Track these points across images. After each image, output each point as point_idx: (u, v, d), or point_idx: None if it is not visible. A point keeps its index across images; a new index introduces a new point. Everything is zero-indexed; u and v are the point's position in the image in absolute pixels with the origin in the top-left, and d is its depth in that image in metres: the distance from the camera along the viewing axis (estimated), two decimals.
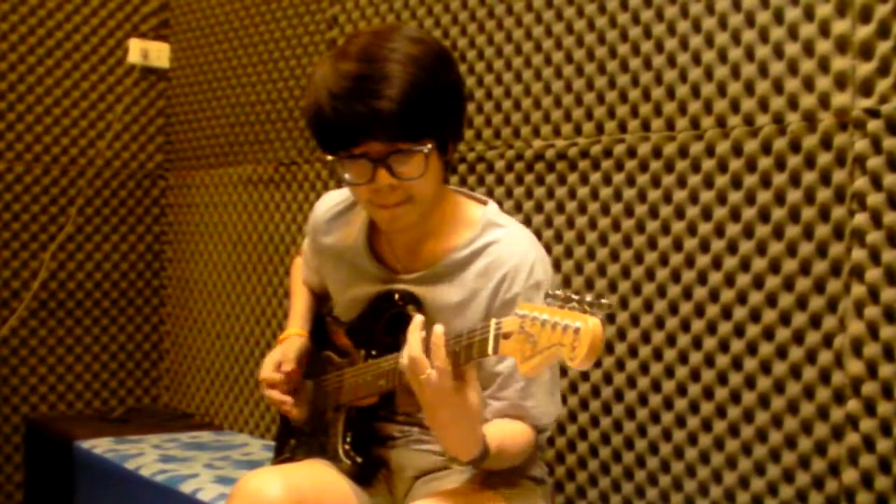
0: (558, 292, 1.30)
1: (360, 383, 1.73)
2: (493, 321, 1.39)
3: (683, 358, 1.95)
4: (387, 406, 1.77)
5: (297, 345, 1.89)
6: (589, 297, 1.28)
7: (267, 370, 1.85)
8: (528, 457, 1.69)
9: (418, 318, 1.49)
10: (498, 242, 1.69)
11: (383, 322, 1.73)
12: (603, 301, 1.27)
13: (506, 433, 1.59)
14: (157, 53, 3.54)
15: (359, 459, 1.74)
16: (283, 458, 1.93)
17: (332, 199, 1.88)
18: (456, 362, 1.43)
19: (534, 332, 1.31)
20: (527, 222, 2.18)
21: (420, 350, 1.44)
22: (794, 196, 1.78)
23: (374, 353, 1.73)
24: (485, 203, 1.76)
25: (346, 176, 1.63)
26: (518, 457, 1.65)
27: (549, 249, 2.11)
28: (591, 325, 1.25)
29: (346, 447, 1.75)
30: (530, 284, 1.64)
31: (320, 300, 1.98)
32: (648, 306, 2.01)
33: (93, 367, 3.47)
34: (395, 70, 1.55)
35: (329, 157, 1.65)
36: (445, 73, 1.64)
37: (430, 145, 1.60)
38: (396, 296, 1.72)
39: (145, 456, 2.72)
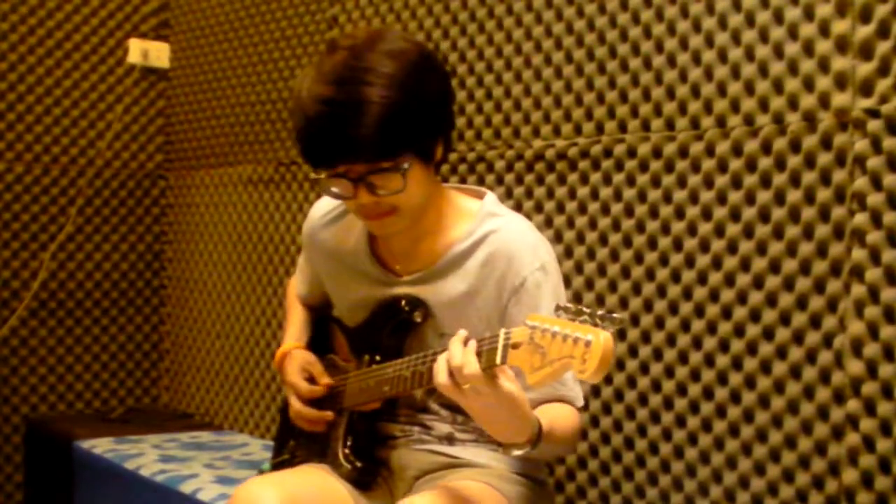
0: (569, 305, 1.30)
1: (364, 388, 1.73)
2: (503, 331, 1.39)
3: (683, 358, 1.95)
4: (389, 409, 1.77)
5: (312, 357, 1.86)
6: (601, 311, 1.27)
7: (305, 385, 1.81)
8: (577, 440, 1.67)
9: (462, 333, 1.46)
10: (497, 231, 1.69)
11: (388, 328, 1.73)
12: (615, 315, 1.26)
13: (552, 415, 1.56)
14: (157, 53, 3.53)
15: (358, 464, 1.74)
16: (283, 460, 1.93)
17: (327, 205, 1.88)
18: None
19: (543, 343, 1.30)
20: None
21: (463, 359, 1.41)
22: (794, 196, 1.78)
23: (378, 358, 1.73)
24: (482, 196, 1.76)
25: (333, 190, 1.65)
26: (571, 439, 1.63)
27: None
28: (602, 339, 1.24)
29: (347, 451, 1.74)
30: (536, 267, 1.65)
31: (317, 315, 1.98)
32: (648, 306, 2.01)
33: (93, 367, 3.47)
34: (369, 94, 1.54)
35: (312, 175, 1.66)
36: (425, 85, 1.61)
37: (407, 163, 1.59)
38: (403, 302, 1.71)
39: (145, 456, 2.72)
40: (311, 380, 1.83)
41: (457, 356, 1.41)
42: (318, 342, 1.93)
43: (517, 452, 1.48)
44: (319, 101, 1.56)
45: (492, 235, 1.69)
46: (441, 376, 1.43)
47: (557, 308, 1.31)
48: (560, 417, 1.59)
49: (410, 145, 1.60)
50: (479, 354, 1.41)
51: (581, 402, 1.68)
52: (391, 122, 1.55)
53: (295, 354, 1.87)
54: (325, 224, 1.87)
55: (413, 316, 1.70)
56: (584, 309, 1.28)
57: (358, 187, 1.60)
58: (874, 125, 1.66)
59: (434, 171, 1.70)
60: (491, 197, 1.76)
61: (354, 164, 1.58)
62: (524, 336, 1.34)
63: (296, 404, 1.81)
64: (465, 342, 1.43)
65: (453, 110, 1.74)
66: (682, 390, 1.96)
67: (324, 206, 1.88)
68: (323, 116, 1.55)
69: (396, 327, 1.72)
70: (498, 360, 1.38)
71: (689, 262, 1.94)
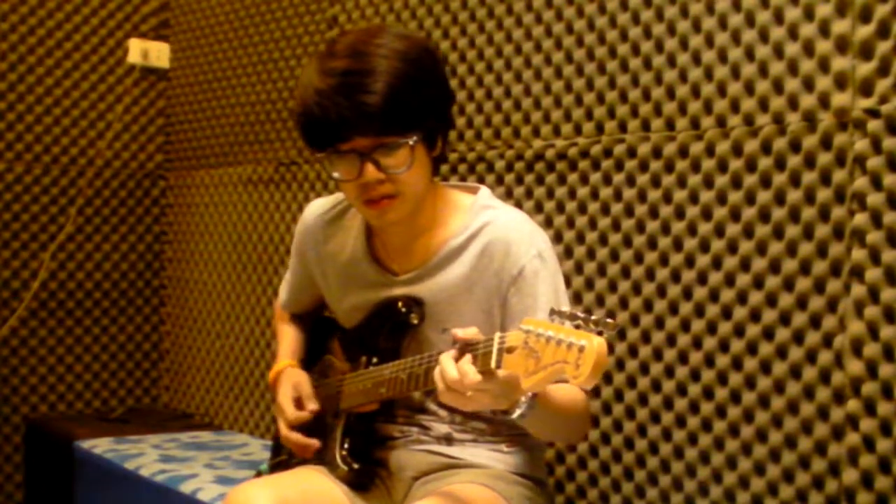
0: (564, 309, 1.30)
1: (361, 390, 1.73)
2: (497, 335, 1.39)
3: (683, 358, 1.95)
4: (387, 410, 1.77)
5: (304, 378, 1.85)
6: (595, 316, 1.27)
7: (291, 411, 1.79)
8: (586, 421, 1.67)
9: (450, 353, 1.45)
10: (492, 223, 1.70)
11: (385, 330, 1.73)
12: (609, 320, 1.26)
13: (553, 386, 1.51)
14: (157, 53, 3.53)
15: (356, 466, 1.73)
16: (280, 461, 1.93)
17: (320, 208, 1.88)
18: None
19: (538, 348, 1.30)
20: None
21: (460, 372, 1.40)
22: (794, 196, 1.78)
23: (374, 360, 1.73)
24: (476, 191, 1.77)
25: (335, 174, 1.64)
26: (575, 412, 1.61)
27: None
28: (595, 344, 1.24)
29: (344, 453, 1.74)
30: (533, 255, 1.65)
31: (309, 328, 1.97)
32: (648, 306, 2.01)
33: (93, 367, 3.47)
34: (380, 64, 1.57)
35: (318, 155, 1.66)
36: (431, 68, 1.65)
37: (415, 138, 1.60)
38: (400, 303, 1.71)
39: (145, 456, 2.72)
40: (300, 401, 1.82)
41: (451, 371, 1.41)
42: (315, 344, 1.93)
43: (517, 413, 1.44)
44: (331, 73, 1.58)
45: (487, 227, 1.69)
46: (443, 392, 1.43)
47: (552, 312, 1.30)
48: (561, 388, 1.56)
49: (417, 123, 1.61)
50: (473, 359, 1.41)
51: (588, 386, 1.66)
52: (401, 94, 1.57)
53: (288, 374, 1.86)
54: (320, 226, 1.86)
55: (410, 318, 1.70)
56: (579, 314, 1.28)
57: (364, 163, 1.60)
58: (874, 125, 1.66)
59: (433, 167, 1.70)
60: (485, 191, 1.76)
61: (362, 138, 1.58)
62: (519, 340, 1.34)
63: (283, 429, 1.81)
64: (457, 357, 1.42)
65: (452, 103, 1.76)
66: (682, 390, 1.96)
67: (318, 209, 1.88)
68: (334, 87, 1.57)
69: (393, 329, 1.72)
70: (493, 364, 1.38)
71: (689, 262, 1.94)
